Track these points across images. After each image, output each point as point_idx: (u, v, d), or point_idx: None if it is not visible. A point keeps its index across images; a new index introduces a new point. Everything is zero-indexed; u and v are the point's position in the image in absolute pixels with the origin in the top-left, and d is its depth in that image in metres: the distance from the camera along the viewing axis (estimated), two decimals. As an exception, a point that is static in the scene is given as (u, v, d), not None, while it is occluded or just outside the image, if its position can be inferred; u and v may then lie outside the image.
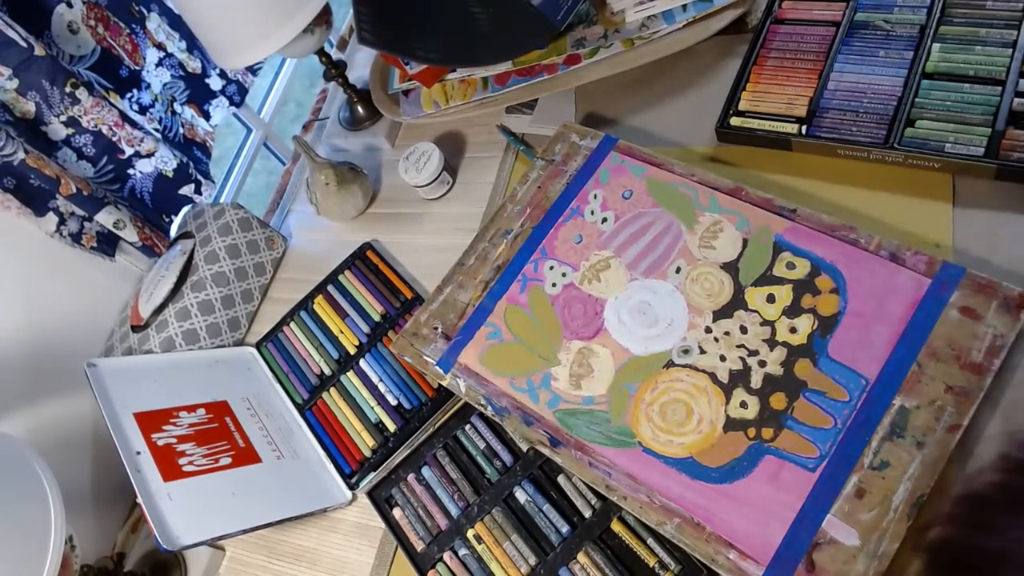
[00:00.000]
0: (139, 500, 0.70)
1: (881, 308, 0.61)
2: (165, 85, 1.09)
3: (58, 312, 0.93)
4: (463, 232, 0.88)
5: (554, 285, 0.74)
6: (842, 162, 0.74)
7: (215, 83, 1.17)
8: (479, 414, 0.76)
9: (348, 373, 0.87)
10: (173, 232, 1.09)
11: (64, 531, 0.65)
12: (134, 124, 0.99)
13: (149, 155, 1.02)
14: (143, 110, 1.06)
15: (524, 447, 0.73)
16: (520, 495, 0.71)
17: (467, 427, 0.77)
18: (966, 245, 0.65)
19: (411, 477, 0.76)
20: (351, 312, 0.90)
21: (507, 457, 0.73)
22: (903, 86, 0.72)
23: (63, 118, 0.91)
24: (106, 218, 0.95)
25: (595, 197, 0.78)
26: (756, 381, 0.62)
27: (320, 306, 0.93)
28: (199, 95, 1.15)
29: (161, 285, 0.93)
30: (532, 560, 0.67)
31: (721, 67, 0.86)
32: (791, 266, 0.66)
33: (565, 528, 0.68)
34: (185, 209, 1.09)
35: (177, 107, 1.12)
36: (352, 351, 0.88)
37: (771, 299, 0.65)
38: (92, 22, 0.97)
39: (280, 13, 0.82)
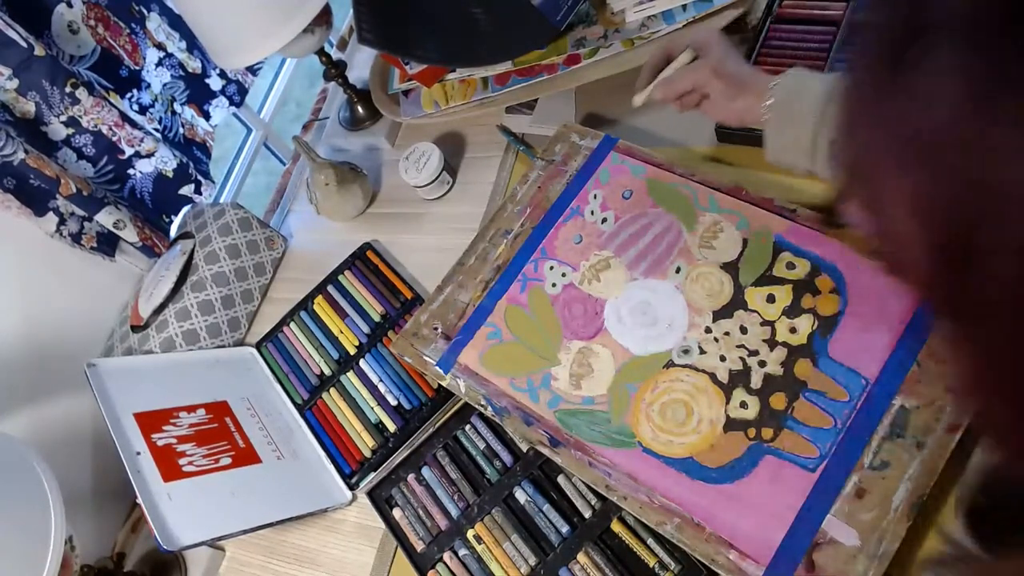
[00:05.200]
0: (139, 500, 0.70)
1: (881, 308, 0.61)
2: (165, 85, 1.09)
3: (58, 312, 0.93)
4: (463, 232, 0.88)
5: (554, 285, 0.74)
6: (842, 162, 0.73)
7: (215, 83, 1.17)
8: (479, 414, 0.76)
9: (348, 373, 0.87)
10: (173, 232, 1.09)
11: (64, 531, 0.65)
12: (134, 124, 0.99)
13: (149, 155, 1.02)
14: (143, 110, 1.06)
15: (524, 447, 0.73)
16: (520, 495, 0.71)
17: (467, 427, 0.77)
18: (966, 245, 0.65)
19: (411, 477, 0.76)
20: (351, 312, 0.90)
21: (507, 457, 0.73)
22: (903, 86, 0.72)
23: (63, 118, 0.91)
24: (106, 218, 0.95)
25: (595, 197, 0.78)
26: (756, 381, 0.62)
27: (320, 306, 0.93)
28: (199, 95, 1.15)
29: (161, 285, 0.93)
30: (532, 560, 0.67)
31: (721, 67, 0.86)
32: (791, 266, 0.66)
33: (565, 528, 0.68)
34: (185, 209, 1.09)
35: (177, 107, 1.12)
36: (352, 351, 0.88)
37: (771, 299, 0.65)
38: (92, 22, 0.97)
39: (280, 13, 0.82)
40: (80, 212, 0.94)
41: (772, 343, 0.63)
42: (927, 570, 0.51)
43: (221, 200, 1.33)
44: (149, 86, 1.07)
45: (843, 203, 0.26)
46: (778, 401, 0.61)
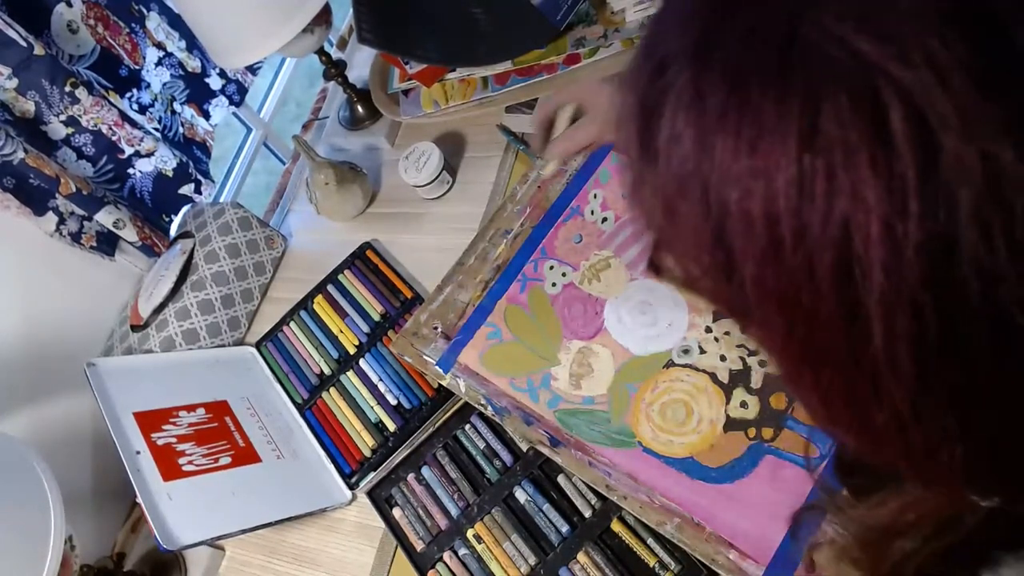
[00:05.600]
0: (139, 500, 0.70)
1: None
2: (165, 84, 1.09)
3: (58, 312, 0.93)
4: (463, 232, 0.88)
5: (554, 285, 0.74)
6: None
7: (215, 82, 1.17)
8: (479, 414, 0.76)
9: (348, 373, 0.87)
10: (173, 231, 1.09)
11: (64, 531, 0.65)
12: (134, 123, 0.99)
13: (149, 154, 1.02)
14: (143, 109, 1.06)
15: (524, 447, 0.73)
16: (520, 495, 0.71)
17: (467, 427, 0.77)
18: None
19: (411, 477, 0.76)
20: (351, 312, 0.90)
21: (507, 457, 0.73)
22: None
23: (63, 117, 0.91)
24: (106, 218, 0.95)
25: (595, 197, 0.78)
26: (756, 381, 0.62)
27: (320, 306, 0.93)
28: (199, 94, 1.15)
29: (161, 284, 0.93)
30: (532, 560, 0.67)
31: (721, 67, 0.86)
32: (791, 266, 0.66)
33: (565, 528, 0.68)
34: (185, 208, 1.09)
35: (177, 106, 1.12)
36: (352, 351, 0.88)
37: (771, 299, 0.65)
38: (92, 21, 0.97)
39: (280, 13, 0.82)
40: (80, 211, 0.94)
41: (772, 343, 0.63)
42: (803, 514, 0.52)
43: (221, 199, 1.32)
44: (149, 85, 1.07)
45: (655, 254, 0.31)
46: (778, 401, 0.61)
